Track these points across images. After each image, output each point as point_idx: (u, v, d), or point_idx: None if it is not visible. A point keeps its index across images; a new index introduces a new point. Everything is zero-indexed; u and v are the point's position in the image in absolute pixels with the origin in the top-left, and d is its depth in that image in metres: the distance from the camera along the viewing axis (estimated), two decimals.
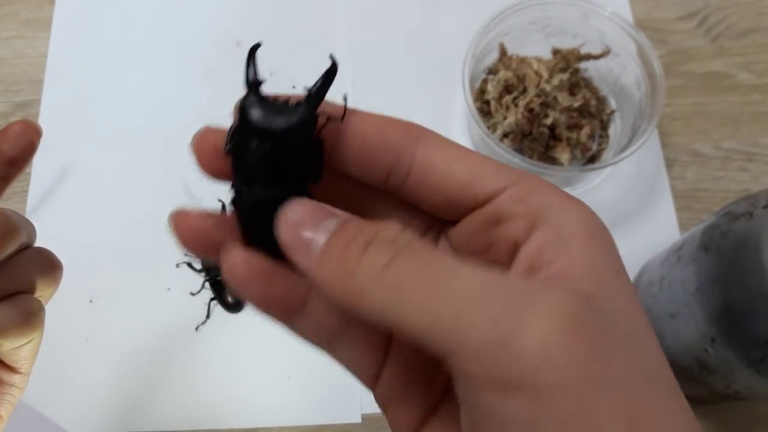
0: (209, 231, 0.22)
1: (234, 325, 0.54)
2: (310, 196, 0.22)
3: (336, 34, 0.63)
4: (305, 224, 0.20)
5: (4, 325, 0.28)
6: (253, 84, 0.21)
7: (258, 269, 0.22)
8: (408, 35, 0.64)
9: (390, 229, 0.20)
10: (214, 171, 0.22)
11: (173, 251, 0.55)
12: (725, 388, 0.43)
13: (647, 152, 0.58)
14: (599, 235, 0.21)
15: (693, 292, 0.41)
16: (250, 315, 0.54)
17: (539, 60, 0.57)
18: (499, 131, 0.55)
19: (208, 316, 0.54)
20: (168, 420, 0.51)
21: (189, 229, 0.22)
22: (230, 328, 0.54)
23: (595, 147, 0.57)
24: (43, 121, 0.61)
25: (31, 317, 0.30)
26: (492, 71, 0.59)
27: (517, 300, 0.18)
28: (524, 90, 0.55)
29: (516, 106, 0.55)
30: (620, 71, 0.58)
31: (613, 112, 0.58)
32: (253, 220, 0.22)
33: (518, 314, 0.17)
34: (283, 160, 0.21)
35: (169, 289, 0.55)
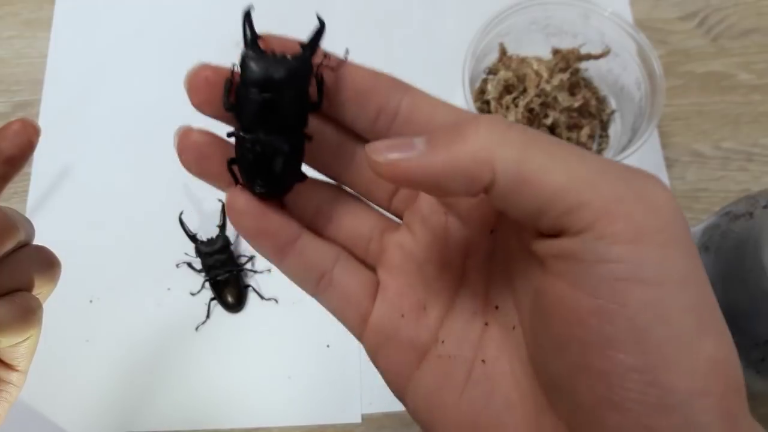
0: (205, 145, 0.25)
1: (234, 325, 0.54)
2: (306, 139, 0.25)
3: (335, 35, 0.63)
4: (396, 141, 0.22)
5: (2, 321, 0.28)
6: (252, 40, 0.23)
7: (255, 205, 0.25)
8: (408, 35, 0.64)
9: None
10: (203, 104, 0.24)
11: (173, 251, 0.56)
12: None
13: (647, 152, 0.58)
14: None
15: None
16: (249, 315, 0.54)
17: (539, 60, 0.57)
18: None
19: (208, 316, 0.54)
20: (168, 420, 0.51)
21: (190, 144, 0.25)
22: (230, 328, 0.54)
23: (595, 147, 0.57)
24: (43, 121, 0.61)
25: (29, 314, 0.30)
26: (492, 71, 0.59)
27: (636, 171, 0.20)
28: (524, 90, 0.55)
29: (516, 106, 0.55)
30: (620, 71, 0.58)
31: (613, 112, 0.58)
32: (254, 162, 0.24)
33: (643, 179, 0.20)
34: (282, 108, 0.23)
35: (169, 289, 0.55)
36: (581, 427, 0.20)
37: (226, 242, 0.55)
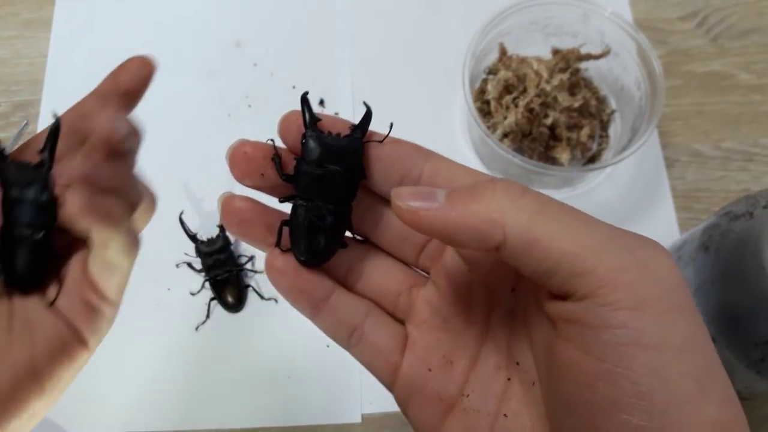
0: (247, 211, 0.27)
1: (234, 325, 0.54)
2: (352, 208, 0.27)
3: (336, 35, 0.63)
4: (420, 190, 0.23)
5: (136, 200, 0.29)
6: (312, 121, 0.26)
7: (293, 265, 0.27)
8: (408, 35, 0.64)
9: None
10: (243, 177, 0.26)
11: (173, 251, 0.56)
12: None
13: (647, 152, 0.58)
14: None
15: (692, 292, 0.41)
16: (249, 315, 0.54)
17: (539, 60, 0.57)
18: (499, 131, 0.55)
19: (208, 316, 0.54)
20: (168, 420, 0.51)
21: (233, 209, 0.27)
22: (230, 328, 0.54)
23: (595, 147, 0.57)
24: (43, 122, 0.61)
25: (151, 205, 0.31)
26: (492, 71, 0.59)
27: (641, 240, 0.22)
28: (524, 90, 0.55)
29: (516, 106, 0.55)
30: (620, 71, 0.58)
31: (613, 112, 0.58)
32: (307, 227, 0.26)
33: (647, 248, 0.21)
34: (339, 181, 0.26)
35: (169, 289, 0.55)
36: None
37: (226, 242, 0.55)
